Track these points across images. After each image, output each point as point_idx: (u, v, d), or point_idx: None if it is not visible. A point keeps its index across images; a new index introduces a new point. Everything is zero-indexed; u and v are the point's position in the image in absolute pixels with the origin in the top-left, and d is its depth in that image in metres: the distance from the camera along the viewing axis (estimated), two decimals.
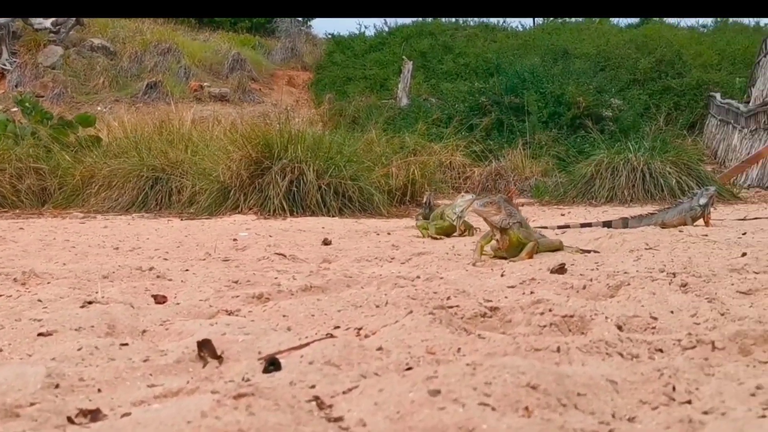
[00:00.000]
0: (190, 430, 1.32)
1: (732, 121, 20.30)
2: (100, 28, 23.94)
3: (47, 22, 22.10)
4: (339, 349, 1.89)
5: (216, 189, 10.08)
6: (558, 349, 1.88)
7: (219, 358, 1.86)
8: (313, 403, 1.53)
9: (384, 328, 2.23)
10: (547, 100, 19.09)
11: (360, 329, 2.31)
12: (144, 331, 2.28)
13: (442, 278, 3.35)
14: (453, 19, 29.89)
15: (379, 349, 1.94)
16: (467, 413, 1.39)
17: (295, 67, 27.07)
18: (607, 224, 7.30)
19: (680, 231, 6.41)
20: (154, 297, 2.97)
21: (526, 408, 1.44)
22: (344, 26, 69.82)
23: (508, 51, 25.77)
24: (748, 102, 20.50)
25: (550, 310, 2.33)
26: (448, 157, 15.35)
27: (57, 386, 1.58)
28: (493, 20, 30.54)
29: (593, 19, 30.76)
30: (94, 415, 1.43)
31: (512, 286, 3.16)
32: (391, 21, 30.19)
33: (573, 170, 13.79)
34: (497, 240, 4.51)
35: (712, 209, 7.29)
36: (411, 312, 2.31)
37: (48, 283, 3.30)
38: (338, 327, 2.40)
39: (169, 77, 21.95)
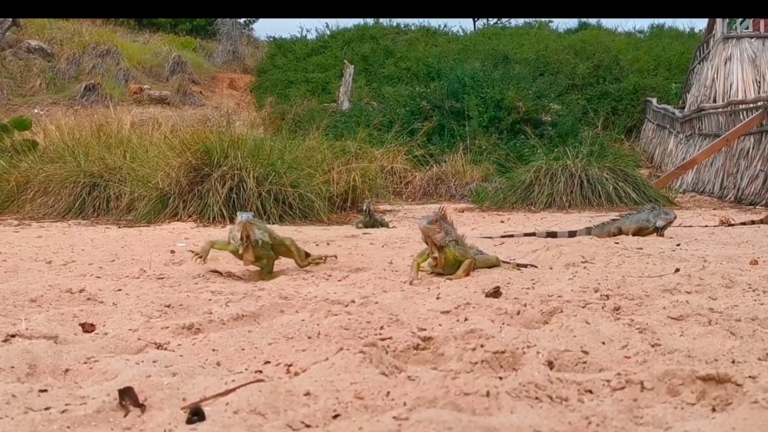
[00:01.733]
0: None
1: (668, 126, 20.69)
2: (37, 29, 23.48)
3: None
4: (265, 395, 1.85)
5: (155, 196, 9.94)
6: (487, 394, 1.87)
7: (141, 407, 1.81)
8: None
9: (314, 366, 2.20)
10: (487, 105, 19.28)
11: (290, 366, 2.28)
12: (67, 370, 2.21)
13: (376, 303, 3.32)
14: (394, 23, 30.03)
15: (307, 394, 1.91)
16: None
17: (236, 69, 26.95)
18: (572, 233, 7.40)
19: (616, 243, 6.47)
20: (82, 326, 2.90)
21: None
22: (286, 29, 69.56)
23: (449, 55, 25.93)
24: (684, 107, 20.90)
25: (482, 346, 2.32)
26: (390, 163, 15.38)
27: None
28: (434, 24, 30.71)
29: (532, 24, 31.11)
30: None
31: (446, 311, 3.15)
32: (333, 24, 30.19)
33: (513, 176, 13.90)
34: (434, 258, 4.50)
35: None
36: (341, 349, 2.28)
37: None
38: (269, 362, 2.37)
39: (108, 80, 21.66)
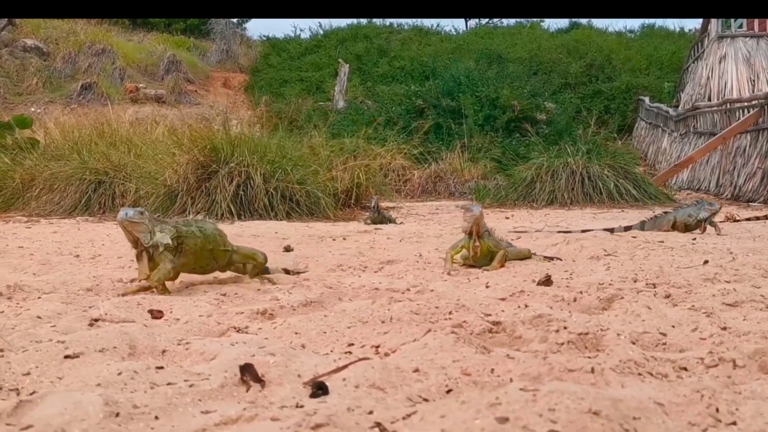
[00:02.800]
0: None
1: (661, 125, 20.82)
2: (33, 28, 23.48)
3: None
4: (379, 372, 1.90)
5: (163, 193, 9.96)
6: (592, 370, 1.92)
7: (261, 382, 1.85)
8: (377, 429, 1.54)
9: (404, 346, 2.24)
10: (482, 104, 19.36)
11: (377, 347, 2.33)
12: (164, 351, 2.25)
13: (432, 291, 3.37)
14: (387, 23, 30.11)
15: (416, 371, 1.96)
16: None
17: (230, 69, 26.99)
18: (628, 228, 7.40)
19: (634, 237, 6.55)
20: (151, 312, 2.93)
21: None
22: (279, 29, 69.40)
23: (442, 54, 26.02)
24: (678, 106, 21.04)
25: (565, 328, 2.37)
26: (389, 160, 15.42)
27: (117, 415, 1.57)
28: (427, 24, 30.79)
29: (524, 23, 31.24)
30: None
31: (503, 298, 3.20)
32: (326, 24, 30.24)
33: (513, 173, 13.98)
34: (475, 247, 4.55)
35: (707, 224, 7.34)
36: (429, 331, 2.33)
37: (38, 297, 3.23)
38: (352, 344, 2.41)
39: (103, 78, 21.66)
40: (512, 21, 32.08)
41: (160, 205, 9.89)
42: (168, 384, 1.85)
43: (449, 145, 17.75)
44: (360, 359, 2.05)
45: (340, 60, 23.91)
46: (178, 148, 10.48)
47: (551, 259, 5.01)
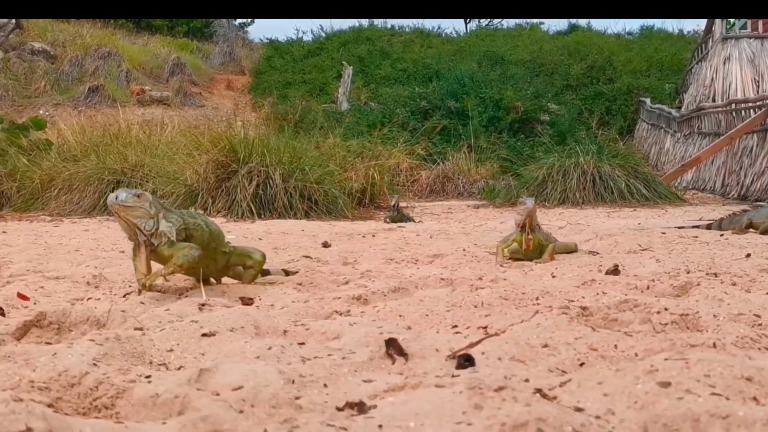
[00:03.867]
0: (471, 420, 1.41)
1: (664, 126, 20.93)
2: (40, 31, 23.63)
3: None
4: (512, 347, 1.99)
5: (183, 192, 10.05)
6: (714, 345, 2.01)
7: (405, 356, 1.94)
8: (537, 395, 1.63)
9: (514, 327, 2.32)
10: (486, 105, 19.48)
11: (485, 327, 2.41)
12: (285, 331, 2.34)
13: (505, 279, 3.46)
14: (389, 25, 30.26)
15: (545, 346, 2.05)
16: (708, 402, 1.50)
17: (233, 71, 27.12)
18: (708, 226, 7.41)
19: (663, 233, 6.65)
20: (241, 299, 3.02)
21: (754, 398, 1.57)
22: (281, 31, 69.41)
23: (444, 56, 26.14)
24: (680, 107, 21.16)
25: (666, 309, 2.46)
26: (397, 161, 15.51)
27: (293, 382, 1.65)
28: (428, 26, 30.94)
29: (523, 25, 31.41)
30: (360, 406, 1.51)
31: (578, 287, 3.29)
32: (327, 26, 30.39)
33: (522, 173, 14.08)
34: (523, 241, 4.64)
35: None
36: (537, 312, 2.42)
37: (129, 286, 3.31)
38: (456, 326, 2.49)
39: (110, 81, 21.78)
40: (512, 23, 32.31)
41: (181, 205, 9.96)
42: (316, 357, 1.93)
43: (455, 145, 17.87)
44: (489, 335, 2.13)
45: (343, 62, 24.04)
46: (197, 149, 10.58)
47: (595, 253, 5.11)
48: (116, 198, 3.00)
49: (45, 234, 7.20)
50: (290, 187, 10.13)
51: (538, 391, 1.65)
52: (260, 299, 3.06)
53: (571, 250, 5.03)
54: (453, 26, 56.03)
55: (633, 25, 38.59)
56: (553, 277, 3.69)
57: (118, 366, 1.80)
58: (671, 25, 39.27)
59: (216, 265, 3.40)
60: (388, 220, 9.72)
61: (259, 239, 6.83)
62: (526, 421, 1.35)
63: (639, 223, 8.56)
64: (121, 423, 1.43)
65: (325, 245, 6.05)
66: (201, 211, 3.53)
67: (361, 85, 23.93)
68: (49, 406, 1.49)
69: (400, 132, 16.69)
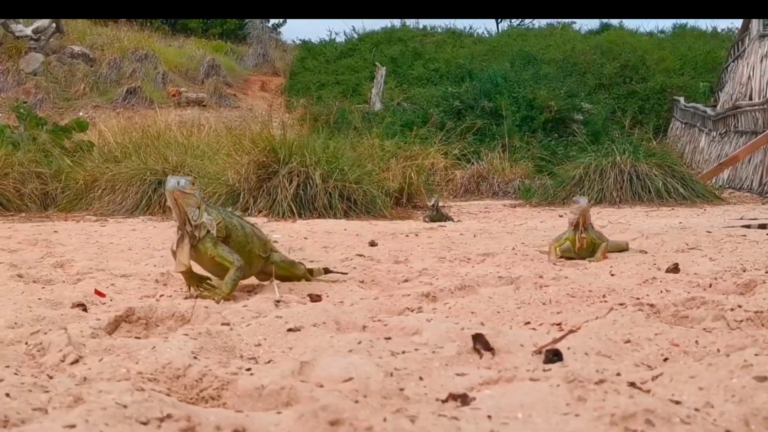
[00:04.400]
0: (577, 411, 1.45)
1: (698, 125, 20.80)
2: (79, 35, 24.02)
3: (28, 30, 22.25)
4: (595, 342, 2.03)
5: (225, 192, 10.15)
6: None
7: (492, 351, 1.98)
8: (633, 388, 1.66)
9: (589, 324, 2.36)
10: (519, 105, 19.50)
11: (559, 324, 2.45)
12: (364, 327, 2.39)
13: (566, 278, 3.49)
14: (420, 25, 30.31)
15: (627, 341, 2.09)
16: None
17: (267, 72, 27.33)
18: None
19: (709, 232, 6.64)
20: (310, 296, 3.07)
21: None
22: (314, 32, 69.64)
23: (477, 56, 26.15)
24: (715, 106, 21.00)
25: (740, 306, 2.48)
26: (432, 161, 15.53)
27: (391, 374, 1.70)
28: (460, 26, 30.97)
29: (555, 25, 31.31)
30: (463, 398, 1.56)
31: (640, 285, 3.31)
32: (359, 27, 30.50)
33: (558, 172, 14.06)
34: (576, 240, 4.66)
35: None
36: (612, 309, 2.46)
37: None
38: (528, 322, 2.53)
39: (147, 83, 22.12)
40: (543, 22, 32.22)
41: (223, 204, 10.06)
42: (404, 352, 1.98)
43: (489, 145, 17.89)
44: (570, 331, 2.17)
45: (377, 63, 24.09)
46: (237, 149, 10.69)
47: (644, 252, 5.12)
48: (178, 183, 2.98)
49: (94, 233, 7.31)
50: (330, 187, 10.19)
51: (632, 384, 1.69)
52: (328, 296, 3.11)
53: (622, 248, 5.05)
54: (484, 26, 56.03)
55: (666, 23, 38.32)
56: (612, 275, 3.72)
57: (216, 359, 1.87)
58: (704, 22, 38.87)
59: (251, 269, 3.32)
60: (427, 219, 9.76)
61: (305, 238, 6.89)
62: (634, 412, 1.39)
63: (680, 222, 8.52)
64: (240, 412, 1.48)
65: (372, 244, 6.10)
66: (238, 213, 3.51)
67: (394, 86, 23.99)
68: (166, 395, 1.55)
69: (435, 132, 16.69)
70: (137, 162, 11.19)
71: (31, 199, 11.05)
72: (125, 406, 1.30)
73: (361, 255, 4.84)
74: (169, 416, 1.28)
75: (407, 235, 7.24)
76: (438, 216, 9.75)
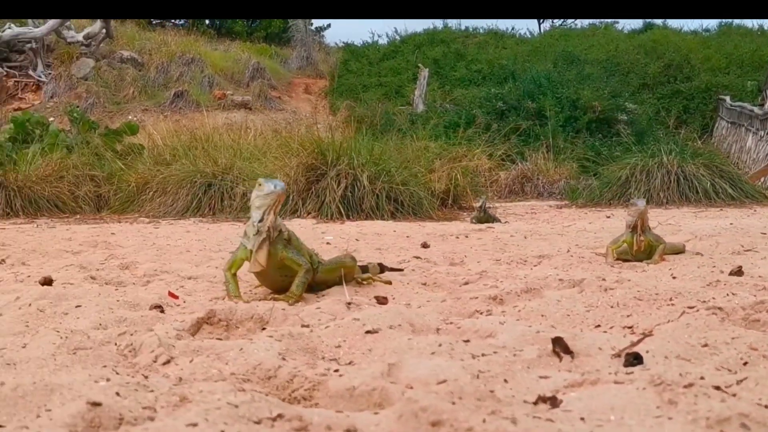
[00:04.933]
0: (670, 414, 1.48)
1: (745, 124, 20.55)
2: (128, 40, 24.59)
3: (79, 36, 22.80)
4: (673, 346, 2.06)
5: None
6: None
7: (571, 353, 2.02)
8: (720, 392, 1.69)
9: (661, 327, 2.38)
10: (563, 105, 19.42)
11: (630, 327, 2.47)
12: (438, 329, 2.44)
13: (629, 280, 3.50)
14: (462, 27, 30.30)
15: (705, 345, 2.11)
16: None
17: (310, 75, 27.52)
18: None
19: (763, 234, 6.59)
20: (376, 298, 3.12)
21: None
22: (357, 35, 69.90)
23: (519, 57, 26.08)
24: (762, 104, 20.75)
25: None
26: (476, 162, 15.52)
27: (477, 376, 1.74)
28: (502, 27, 30.89)
29: (597, 25, 31.12)
30: (552, 400, 1.59)
31: (705, 287, 3.31)
32: (402, 29, 30.55)
33: (604, 173, 13.99)
34: (634, 243, 4.66)
35: None
36: (684, 313, 2.47)
37: (256, 286, 3.44)
38: (599, 326, 2.56)
39: (194, 86, 22.44)
40: (585, 22, 32.04)
41: None
42: (483, 354, 2.02)
43: (533, 146, 17.84)
44: (646, 334, 2.19)
45: (419, 65, 24.15)
46: (286, 152, 10.80)
47: (701, 254, 5.10)
48: (281, 187, 3.09)
49: (150, 235, 7.43)
50: (377, 188, 10.25)
51: (716, 388, 1.71)
52: (394, 298, 3.15)
53: (678, 251, 5.04)
54: (527, 27, 55.86)
55: (710, 21, 37.91)
56: (674, 278, 3.72)
57: (303, 360, 1.92)
58: (751, 21, 38.37)
59: (289, 278, 3.20)
60: (474, 220, 9.76)
61: (356, 240, 6.94)
62: (728, 416, 1.41)
63: (731, 223, 8.44)
64: (341, 412, 1.53)
65: (425, 246, 6.13)
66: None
67: (437, 87, 23.99)
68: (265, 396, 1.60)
69: (480, 133, 16.67)
70: (187, 164, 11.35)
71: (85, 201, 11.32)
72: (236, 406, 1.35)
73: (417, 257, 4.87)
74: (280, 416, 1.33)
75: (457, 237, 7.26)
76: (485, 217, 9.75)
